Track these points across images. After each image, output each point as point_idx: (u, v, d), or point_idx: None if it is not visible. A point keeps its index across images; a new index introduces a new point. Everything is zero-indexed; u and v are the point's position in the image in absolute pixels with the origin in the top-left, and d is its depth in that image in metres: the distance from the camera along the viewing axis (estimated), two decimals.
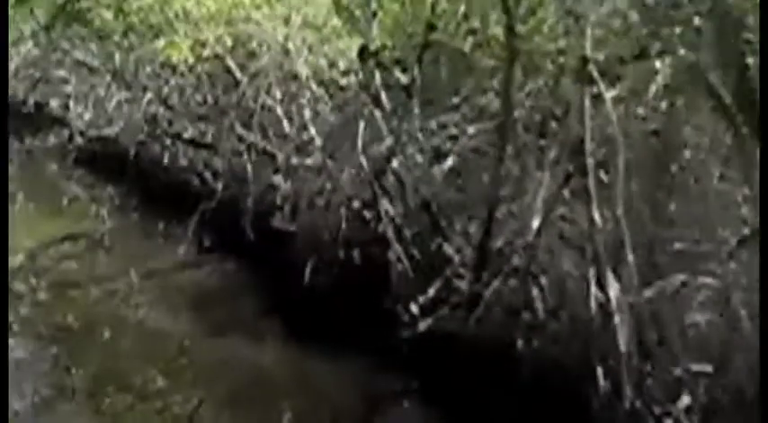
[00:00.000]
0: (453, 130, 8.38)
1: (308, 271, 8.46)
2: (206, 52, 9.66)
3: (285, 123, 9.65)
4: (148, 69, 12.90)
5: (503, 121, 7.34)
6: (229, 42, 9.66)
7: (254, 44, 9.77)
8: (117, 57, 13.83)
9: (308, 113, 9.56)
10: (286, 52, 9.47)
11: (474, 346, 6.77)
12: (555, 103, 7.40)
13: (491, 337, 6.68)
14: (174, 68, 11.63)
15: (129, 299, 8.94)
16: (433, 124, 8.28)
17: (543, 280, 6.60)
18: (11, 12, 16.72)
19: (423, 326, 7.24)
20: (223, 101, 11.08)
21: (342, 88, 9.20)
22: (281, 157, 9.73)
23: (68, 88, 17.15)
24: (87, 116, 15.46)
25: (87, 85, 16.25)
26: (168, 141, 12.97)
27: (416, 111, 8.11)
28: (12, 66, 19.30)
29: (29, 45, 19.03)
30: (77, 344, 7.77)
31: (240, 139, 10.49)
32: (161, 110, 13.01)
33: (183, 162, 12.65)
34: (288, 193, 9.55)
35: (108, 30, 12.56)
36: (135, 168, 13.77)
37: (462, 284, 7.46)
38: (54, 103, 18.18)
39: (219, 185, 10.90)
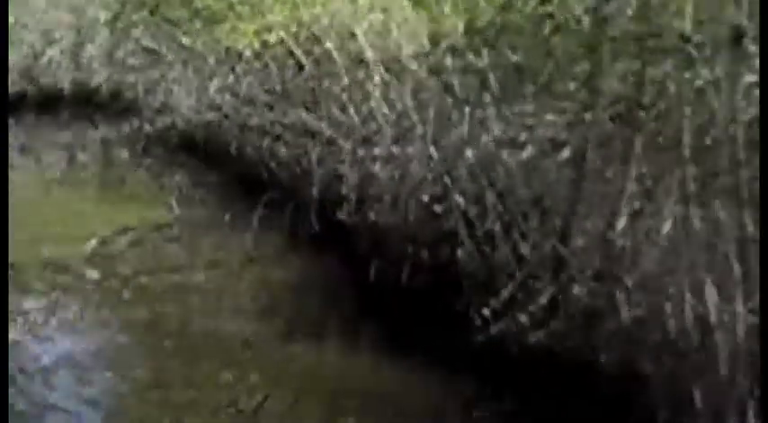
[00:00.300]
0: (530, 120, 7.67)
1: (373, 268, 7.89)
2: (270, 37, 9.14)
3: (351, 111, 9.08)
4: (214, 57, 12.50)
5: (585, 109, 6.62)
6: (294, 27, 9.12)
7: (318, 28, 9.23)
8: (185, 44, 13.47)
9: (375, 101, 8.97)
10: (352, 36, 8.89)
11: (551, 353, 6.12)
12: (642, 91, 6.64)
13: (570, 346, 6.01)
14: (239, 55, 11.18)
15: (195, 290, 8.60)
16: (508, 112, 7.60)
17: (629, 284, 5.89)
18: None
19: (495, 330, 6.61)
20: (288, 88, 10.59)
21: (411, 74, 8.57)
22: (346, 147, 9.18)
23: (140, 76, 16.96)
24: (157, 105, 15.23)
25: (157, 74, 16.02)
26: (236, 130, 12.55)
27: (491, 98, 7.43)
28: (86, 54, 19.43)
29: (104, 33, 18.99)
30: (144, 334, 7.47)
31: (305, 127, 9.97)
32: (227, 98, 12.61)
33: (250, 151, 12.24)
34: (354, 185, 9.00)
35: (175, 16, 12.18)
36: (202, 157, 13.52)
37: (539, 286, 6.79)
38: (127, 92, 18.05)
39: (284, 176, 10.42)
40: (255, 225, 10.51)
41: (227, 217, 11.25)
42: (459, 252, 7.32)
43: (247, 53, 10.20)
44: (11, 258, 7.99)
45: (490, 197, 7.43)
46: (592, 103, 6.59)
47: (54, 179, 13.86)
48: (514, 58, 7.66)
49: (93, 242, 9.30)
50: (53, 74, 19.10)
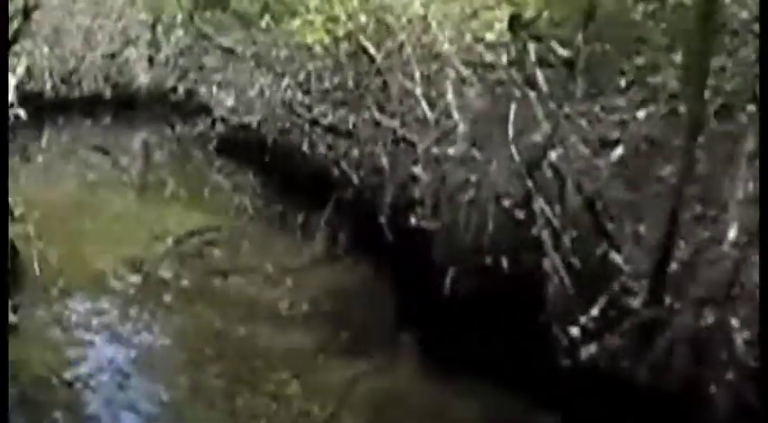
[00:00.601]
0: (622, 115, 6.83)
1: (448, 278, 7.17)
2: (341, 31, 8.49)
3: (425, 107, 8.37)
4: (285, 52, 11.94)
5: (685, 103, 5.76)
6: (363, 18, 8.45)
7: (390, 18, 8.52)
8: (257, 40, 12.97)
9: (451, 96, 8.23)
10: (426, 27, 8.16)
11: (650, 385, 5.30)
12: (751, 82, 5.75)
13: (673, 377, 5.18)
14: (310, 50, 10.58)
15: (265, 293, 8.12)
16: (598, 107, 6.78)
17: (744, 307, 5.02)
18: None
19: (585, 354, 5.81)
20: (360, 83, 9.93)
21: (490, 66, 7.80)
22: (420, 146, 8.48)
23: (213, 75, 16.64)
24: (230, 103, 14.81)
25: (231, 72, 15.66)
26: (307, 128, 11.98)
27: (579, 92, 6.61)
28: (162, 54, 19.23)
29: (179, 33, 18.73)
30: (215, 338, 7.02)
31: (377, 125, 9.31)
32: (299, 95, 12.06)
33: (322, 150, 11.71)
34: (428, 187, 8.30)
35: (245, 12, 11.67)
36: (274, 156, 13.06)
37: (634, 303, 5.96)
38: (202, 91, 17.76)
39: (356, 176, 9.79)
40: (324, 227, 10.14)
41: (298, 218, 10.96)
42: (544, 262, 6.53)
43: (317, 48, 9.54)
44: (88, 258, 8.32)
45: (577, 202, 6.64)
46: (695, 97, 5.72)
47: (129, 179, 13.71)
48: (606, 46, 6.86)
49: (169, 242, 9.11)
50: (129, 73, 18.89)
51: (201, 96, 17.34)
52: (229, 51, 15.02)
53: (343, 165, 10.30)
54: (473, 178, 7.43)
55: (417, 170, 8.43)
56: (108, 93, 18.38)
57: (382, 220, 8.88)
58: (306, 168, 12.03)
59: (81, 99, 17.73)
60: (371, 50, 9.19)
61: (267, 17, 11.16)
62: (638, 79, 7.01)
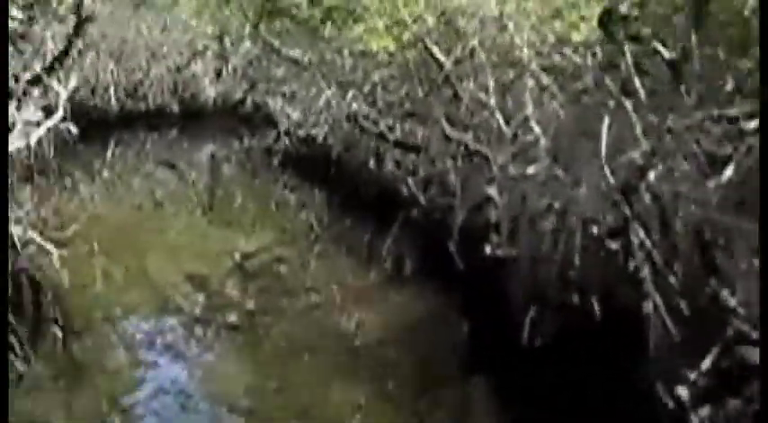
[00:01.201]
0: (735, 127, 5.65)
1: (528, 319, 6.11)
2: (407, 36, 7.52)
3: (501, 120, 7.31)
4: (350, 62, 11.05)
5: None
6: (431, 21, 7.45)
7: (460, 21, 7.50)
8: (320, 50, 12.12)
9: (530, 107, 7.16)
10: (502, 29, 7.11)
11: None
12: None
13: None
14: (375, 58, 9.64)
15: (331, 317, 7.60)
16: (706, 120, 5.61)
17: None
18: (226, 12, 15.81)
19: (696, 420, 4.69)
20: (428, 94, 8.94)
21: (576, 73, 6.71)
22: (496, 164, 7.42)
23: (280, 87, 16.03)
24: (295, 116, 14.03)
25: (297, 83, 15.00)
26: (373, 142, 11.07)
27: (686, 101, 5.46)
28: (229, 67, 18.63)
29: (246, 44, 18.11)
30: (280, 362, 6.62)
31: (447, 139, 8.29)
32: (364, 107, 11.15)
33: (389, 165, 10.80)
34: (505, 210, 7.24)
35: (307, 19, 10.83)
36: (340, 171, 12.35)
37: (754, 355, 4.81)
38: (269, 103, 17.11)
39: (424, 195, 8.80)
40: (391, 248, 9.17)
41: (365, 237, 10.11)
42: (644, 304, 5.40)
43: (383, 56, 8.59)
44: (153, 275, 8.05)
45: (682, 231, 5.50)
46: None
47: (196, 194, 13.29)
48: (716, 48, 5.70)
49: (235, 259, 8.76)
50: (196, 86, 18.36)
51: (269, 109, 16.70)
52: (295, 62, 14.24)
53: (411, 182, 9.31)
54: (557, 202, 6.34)
55: (492, 191, 7.38)
56: (174, 106, 17.99)
57: (452, 243, 7.83)
58: (372, 185, 11.22)
59: (147, 113, 17.38)
60: (440, 57, 8.16)
61: (329, 24, 10.24)
62: (752, 85, 5.83)
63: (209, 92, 18.51)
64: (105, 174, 14.04)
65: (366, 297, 8.00)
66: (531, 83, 7.16)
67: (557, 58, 6.89)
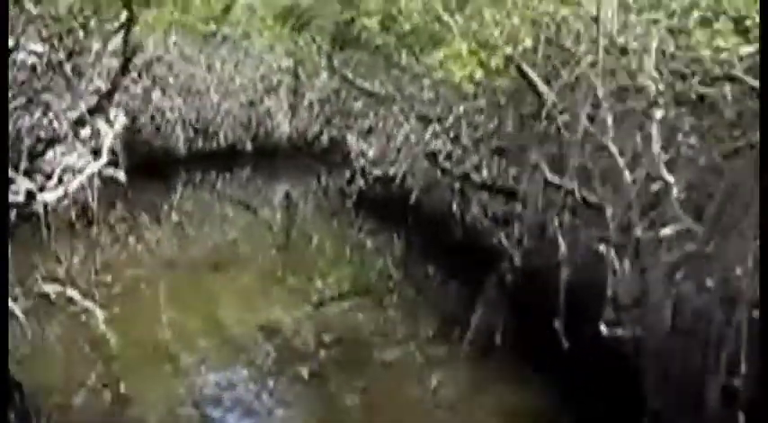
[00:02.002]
0: None
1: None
2: (496, 60, 5.88)
3: (620, 162, 5.55)
4: (429, 93, 9.47)
5: None
6: (528, 40, 5.79)
7: (567, 39, 5.82)
8: (397, 80, 10.61)
9: (656, 147, 5.39)
10: (622, 51, 5.38)
11: None
12: None
13: None
14: (458, 88, 8.02)
15: (408, 375, 6.75)
16: None
17: None
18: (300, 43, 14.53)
19: None
20: (524, 129, 7.27)
21: (719, 104, 4.94)
22: (613, 219, 5.67)
23: (357, 122, 14.82)
24: (371, 153, 12.59)
25: (373, 118, 13.69)
26: (457, 184, 9.68)
27: None
28: (305, 100, 17.57)
29: (322, 78, 16.83)
30: (353, 420, 6.08)
31: (548, 184, 6.59)
32: (447, 144, 9.54)
33: (475, 211, 9.29)
34: (626, 279, 5.48)
35: (380, 47, 9.33)
36: (419, 216, 11.00)
37: None
38: (346, 138, 15.79)
39: (519, 252, 7.10)
40: (480, 309, 7.87)
41: (447, 290, 8.87)
42: None
43: (467, 85, 6.97)
44: (224, 323, 7.59)
45: None
46: None
47: (271, 236, 12.43)
48: None
49: (309, 307, 8.13)
50: (270, 122, 17.13)
51: (346, 145, 15.38)
52: (370, 95, 12.75)
53: (503, 234, 7.62)
54: (706, 278, 4.56)
55: (607, 253, 5.62)
56: (247, 143, 16.68)
57: (556, 315, 6.13)
58: (456, 232, 9.71)
59: (218, 151, 16.13)
60: (540, 85, 6.46)
61: (405, 51, 8.70)
62: None
63: (284, 128, 17.17)
64: (173, 216, 13.00)
65: (447, 360, 7.01)
66: (658, 115, 5.40)
67: (693, 85, 5.12)
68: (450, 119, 9.21)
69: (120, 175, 9.33)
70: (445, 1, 6.38)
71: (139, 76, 12.66)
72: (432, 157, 9.82)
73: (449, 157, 9.73)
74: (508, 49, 5.83)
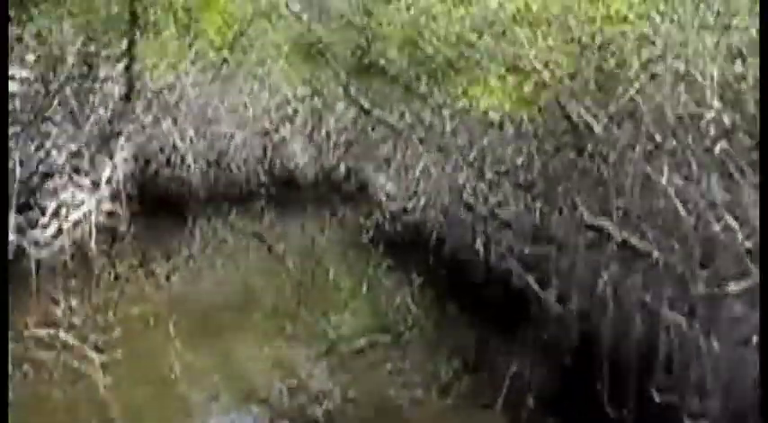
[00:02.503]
0: None
1: None
2: (528, 87, 5.06)
3: (680, 209, 4.67)
4: (451, 123, 8.68)
5: None
6: (564, 62, 4.94)
7: (609, 61, 4.95)
8: (416, 109, 9.84)
9: (717, 188, 4.51)
10: (679, 76, 4.52)
11: None
12: None
13: None
14: (484, 119, 7.22)
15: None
16: None
17: None
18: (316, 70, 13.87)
19: None
20: (559, 164, 6.42)
21: None
22: (667, 270, 4.79)
23: (375, 152, 14.41)
24: (389, 186, 11.83)
25: (392, 149, 13.13)
26: (480, 222, 8.85)
27: None
28: (322, 130, 17.09)
29: (340, 106, 16.22)
30: None
31: (590, 228, 5.72)
32: (470, 178, 8.73)
33: (502, 251, 8.40)
34: (685, 345, 4.59)
35: (399, 75, 8.57)
36: (439, 253, 10.20)
37: None
38: (364, 170, 15.59)
39: (556, 302, 6.22)
40: (510, 365, 6.90)
41: (471, 336, 7.94)
42: None
43: (494, 115, 6.15)
44: (238, 363, 7.23)
45: None
46: None
47: (286, 270, 11.83)
48: None
49: (326, 345, 7.73)
50: (286, 153, 16.51)
51: (364, 177, 15.14)
52: (389, 125, 12.00)
53: (534, 280, 6.74)
54: None
55: (666, 312, 4.74)
56: (262, 175, 16.01)
57: (599, 383, 5.25)
58: (480, 273, 8.85)
59: (232, 183, 15.47)
60: (577, 116, 5.60)
61: (425, 79, 7.92)
62: None
63: (300, 159, 16.56)
64: (185, 251, 12.42)
65: (469, 408, 6.27)
66: (719, 148, 4.53)
67: None
68: (474, 151, 8.38)
69: (121, 210, 8.62)
70: (472, 20, 5.53)
71: (149, 105, 12.00)
72: (455, 192, 8.98)
73: (472, 192, 8.89)
74: (546, 75, 4.98)
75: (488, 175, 8.10)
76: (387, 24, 7.89)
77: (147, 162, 12.82)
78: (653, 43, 4.47)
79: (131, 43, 7.97)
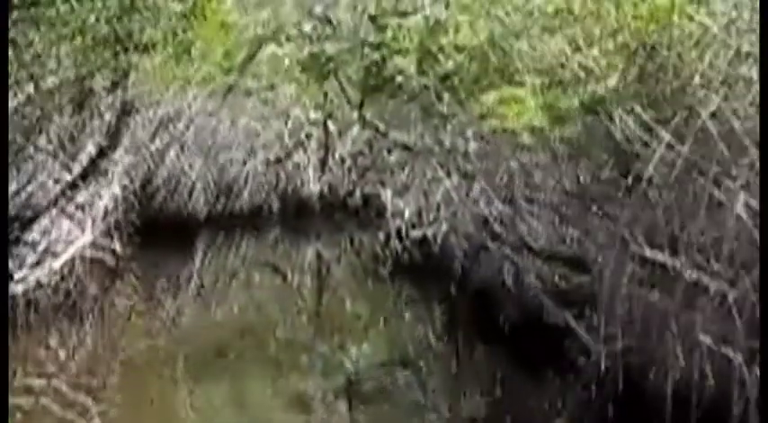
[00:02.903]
0: None
1: None
2: (570, 102, 4.34)
3: (754, 233, 3.91)
4: (475, 144, 7.99)
5: None
6: (613, 69, 4.20)
7: (670, 68, 4.21)
8: (437, 129, 9.17)
9: None
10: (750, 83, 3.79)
11: None
12: None
13: None
14: (513, 139, 6.50)
15: None
16: None
17: None
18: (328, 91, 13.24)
19: None
20: (601, 192, 5.69)
21: None
22: (740, 313, 4.04)
23: (392, 177, 13.28)
24: (408, 213, 11.20)
25: (410, 173, 12.15)
26: (509, 252, 8.13)
27: None
28: (336, 155, 16.54)
29: (354, 130, 15.54)
30: None
31: (643, 262, 4.98)
32: (498, 204, 8.03)
33: (537, 283, 7.70)
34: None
35: (417, 93, 7.91)
36: (464, 286, 9.51)
37: None
38: (381, 195, 14.35)
39: (602, 347, 5.46)
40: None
41: (497, 375, 7.45)
42: None
43: (526, 136, 5.44)
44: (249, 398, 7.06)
45: None
46: None
47: (301, 301, 11.43)
48: None
49: (343, 378, 7.33)
50: (299, 179, 15.85)
51: (381, 202, 13.96)
52: (406, 147, 11.32)
53: (575, 320, 5.98)
54: None
55: (737, 358, 3.98)
56: (274, 202, 15.34)
57: None
58: (509, 307, 8.02)
59: (242, 212, 14.81)
60: (622, 132, 4.86)
61: (446, 97, 7.25)
62: None
63: (314, 185, 15.87)
64: (193, 284, 11.76)
65: None
66: None
67: None
68: (502, 174, 7.66)
69: (119, 246, 7.99)
70: (503, 25, 4.81)
71: (155, 133, 11.43)
72: (480, 219, 8.27)
73: (499, 219, 8.17)
74: (598, 89, 4.23)
75: (519, 201, 7.36)
76: (402, 39, 7.19)
77: (152, 193, 12.20)
78: (724, 44, 3.73)
79: (128, 66, 7.35)
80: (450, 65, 6.27)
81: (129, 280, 10.68)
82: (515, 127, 4.81)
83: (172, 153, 12.50)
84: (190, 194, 13.10)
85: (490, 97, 5.67)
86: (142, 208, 11.16)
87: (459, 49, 5.86)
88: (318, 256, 14.69)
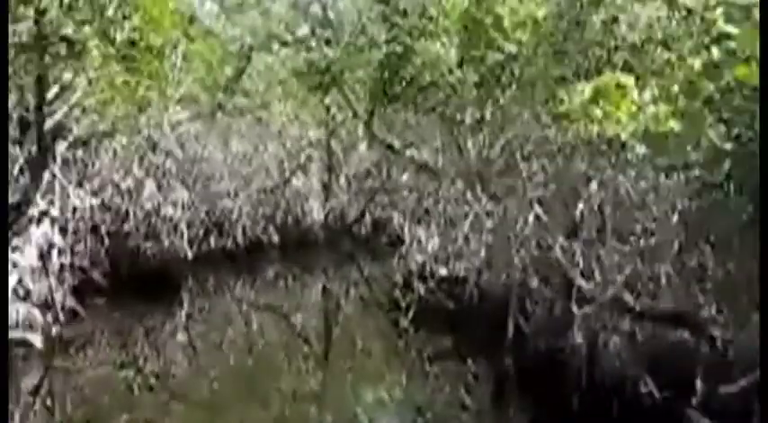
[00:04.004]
0: None
1: None
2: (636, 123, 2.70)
3: None
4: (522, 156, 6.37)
5: None
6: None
7: None
8: (460, 146, 7.56)
9: None
10: None
11: None
12: None
13: None
14: (570, 151, 4.83)
15: None
16: None
17: None
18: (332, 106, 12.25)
19: None
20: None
21: None
22: None
23: (407, 201, 12.12)
24: (431, 245, 10.21)
25: (429, 195, 10.88)
26: (559, 290, 6.82)
27: None
28: (341, 177, 15.44)
29: (361, 148, 14.58)
30: None
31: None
32: (549, 236, 6.39)
33: (614, 345, 6.17)
34: None
35: (435, 104, 6.31)
36: (515, 334, 7.83)
37: None
38: (394, 219, 13.50)
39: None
40: None
41: None
42: None
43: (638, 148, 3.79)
44: None
45: None
46: None
47: (307, 344, 10.44)
48: None
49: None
50: (300, 207, 14.57)
51: (394, 227, 13.19)
52: (424, 166, 9.77)
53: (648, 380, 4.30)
54: None
55: None
56: (273, 236, 14.10)
57: None
58: (579, 376, 6.47)
59: (236, 250, 13.55)
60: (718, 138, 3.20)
61: (502, 93, 5.56)
62: None
63: (317, 213, 14.66)
64: (179, 340, 10.53)
65: None
66: None
67: None
68: (546, 193, 5.93)
69: (77, 307, 6.41)
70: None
71: (129, 166, 9.87)
72: (531, 253, 6.55)
73: (550, 248, 6.44)
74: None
75: (582, 230, 5.61)
76: (436, 17, 5.45)
77: (127, 235, 10.62)
78: None
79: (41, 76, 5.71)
80: (511, 46, 4.49)
81: (100, 341, 9.36)
82: (623, 131, 3.11)
83: (149, 185, 10.88)
84: (172, 233, 11.54)
85: (578, 90, 3.92)
86: (116, 254, 9.64)
87: (520, 24, 4.11)
88: (324, 290, 13.68)
